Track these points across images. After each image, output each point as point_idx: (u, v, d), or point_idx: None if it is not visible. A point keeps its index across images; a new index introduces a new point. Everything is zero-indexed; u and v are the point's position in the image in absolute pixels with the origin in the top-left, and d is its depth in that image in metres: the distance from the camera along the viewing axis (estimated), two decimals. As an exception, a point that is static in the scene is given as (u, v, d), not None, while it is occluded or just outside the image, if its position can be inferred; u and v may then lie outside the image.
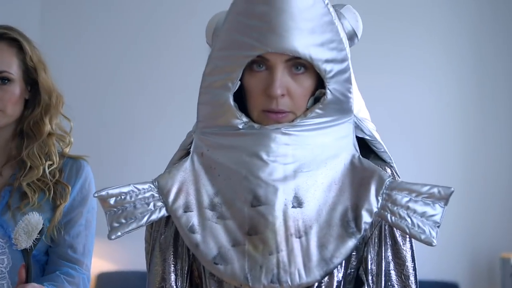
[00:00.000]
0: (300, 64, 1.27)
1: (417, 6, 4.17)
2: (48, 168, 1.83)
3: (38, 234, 1.56)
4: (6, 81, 1.80)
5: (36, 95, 1.86)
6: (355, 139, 1.34)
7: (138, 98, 4.17)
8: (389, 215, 1.25)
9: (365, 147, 1.37)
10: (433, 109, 4.15)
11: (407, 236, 1.31)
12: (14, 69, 1.82)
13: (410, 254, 1.33)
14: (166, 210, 1.30)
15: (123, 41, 4.21)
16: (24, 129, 1.85)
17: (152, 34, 4.20)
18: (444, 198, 1.25)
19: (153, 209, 1.29)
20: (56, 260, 1.81)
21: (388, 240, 1.32)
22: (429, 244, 1.24)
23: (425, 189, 1.26)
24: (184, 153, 1.37)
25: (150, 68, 4.18)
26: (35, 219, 1.56)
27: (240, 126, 1.30)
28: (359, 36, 1.38)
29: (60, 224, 1.81)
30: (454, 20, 4.16)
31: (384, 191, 1.26)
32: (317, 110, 1.29)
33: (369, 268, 1.32)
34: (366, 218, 1.25)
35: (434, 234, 1.24)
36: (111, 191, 1.29)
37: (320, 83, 1.30)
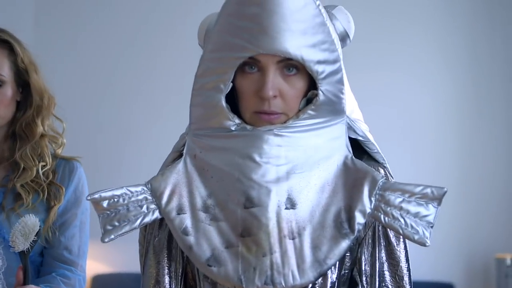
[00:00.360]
0: (292, 65, 1.27)
1: (412, 5, 4.18)
2: (42, 169, 1.83)
3: (35, 236, 1.56)
4: None
5: (27, 96, 1.86)
6: (348, 140, 1.34)
7: (133, 99, 4.17)
8: (382, 216, 1.25)
9: (358, 148, 1.36)
10: (428, 108, 4.15)
11: (401, 236, 1.31)
12: (5, 71, 1.81)
13: (404, 254, 1.32)
14: (159, 212, 1.30)
15: (118, 43, 4.21)
16: (17, 130, 1.85)
17: (147, 36, 4.20)
18: (437, 199, 1.26)
19: (146, 211, 1.29)
20: (52, 262, 1.81)
21: (381, 240, 1.32)
22: (423, 244, 1.24)
23: (418, 189, 1.26)
24: (177, 155, 1.37)
25: (145, 70, 4.18)
26: (31, 221, 1.56)
27: (233, 128, 1.30)
28: (351, 37, 1.38)
29: (54, 226, 1.81)
30: (449, 19, 4.17)
31: (377, 191, 1.26)
32: (310, 111, 1.29)
33: (363, 269, 1.32)
34: (359, 219, 1.25)
35: (427, 234, 1.24)
36: (104, 194, 1.29)
37: (312, 84, 1.30)
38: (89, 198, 1.29)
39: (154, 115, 4.14)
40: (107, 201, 1.28)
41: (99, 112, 4.16)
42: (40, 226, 1.57)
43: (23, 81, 1.85)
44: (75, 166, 1.88)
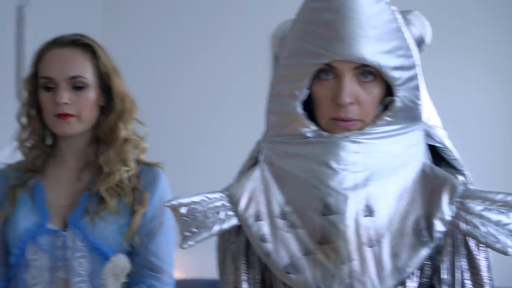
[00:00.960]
0: (367, 72, 1.27)
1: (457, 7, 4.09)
2: (125, 174, 1.85)
3: (125, 276, 1.59)
4: (81, 86, 1.83)
5: (110, 101, 1.88)
6: (425, 146, 1.32)
7: (204, 104, 4.13)
8: (462, 224, 1.23)
9: (436, 154, 1.35)
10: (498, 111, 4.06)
11: (482, 245, 1.29)
12: (88, 74, 1.83)
13: (485, 263, 1.29)
14: (237, 219, 1.31)
15: (188, 45, 4.16)
16: (100, 135, 1.88)
17: (218, 39, 4.15)
18: (519, 207, 1.23)
19: (224, 218, 1.31)
20: (140, 270, 1.82)
21: (462, 249, 1.29)
22: (504, 253, 1.21)
23: (499, 197, 1.23)
24: (253, 161, 1.38)
25: (217, 73, 4.14)
26: (122, 262, 1.59)
27: (309, 135, 1.30)
28: (427, 42, 1.36)
29: (142, 233, 1.82)
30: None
31: (457, 199, 1.24)
32: (387, 118, 1.28)
33: (443, 277, 1.29)
34: (438, 226, 1.23)
35: (509, 243, 1.21)
36: (182, 200, 1.31)
37: (388, 90, 1.30)
38: (168, 204, 1.31)
39: (225, 121, 4.13)
40: (185, 208, 1.30)
41: (168, 117, 4.14)
42: (129, 268, 1.59)
43: (105, 85, 1.87)
44: (158, 173, 1.89)
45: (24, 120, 1.89)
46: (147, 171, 1.89)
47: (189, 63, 4.17)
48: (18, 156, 1.95)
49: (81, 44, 1.86)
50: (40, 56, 1.86)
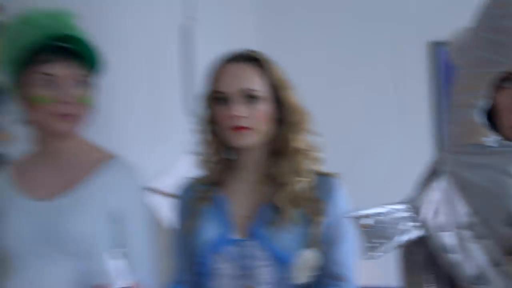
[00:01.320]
0: None
1: None
2: (301, 185, 1.89)
3: (313, 270, 1.63)
4: (254, 99, 1.87)
5: (283, 113, 1.93)
6: None
7: (369, 114, 4.06)
8: None
9: None
10: None
11: None
12: (261, 87, 1.88)
13: None
14: (422, 230, 1.32)
15: (347, 54, 4.09)
16: (275, 147, 1.93)
17: (377, 44, 4.05)
18: None
19: (409, 229, 1.32)
20: (322, 279, 1.84)
21: None
22: None
23: None
24: (433, 172, 1.38)
25: (378, 82, 4.05)
26: (311, 256, 1.64)
27: (491, 144, 1.29)
28: None
29: (322, 242, 1.86)
30: None
31: None
32: None
33: None
34: None
35: None
36: (366, 212, 1.34)
37: None
38: (352, 215, 1.33)
39: (390, 130, 4.02)
40: (369, 219, 1.33)
41: (332, 127, 4.08)
42: (318, 262, 1.63)
43: (277, 98, 1.93)
44: (335, 183, 1.91)
45: (205, 135, 1.99)
46: (324, 181, 1.90)
47: (349, 74, 4.09)
48: (193, 169, 2.04)
49: (253, 58, 1.93)
50: (214, 72, 1.95)
